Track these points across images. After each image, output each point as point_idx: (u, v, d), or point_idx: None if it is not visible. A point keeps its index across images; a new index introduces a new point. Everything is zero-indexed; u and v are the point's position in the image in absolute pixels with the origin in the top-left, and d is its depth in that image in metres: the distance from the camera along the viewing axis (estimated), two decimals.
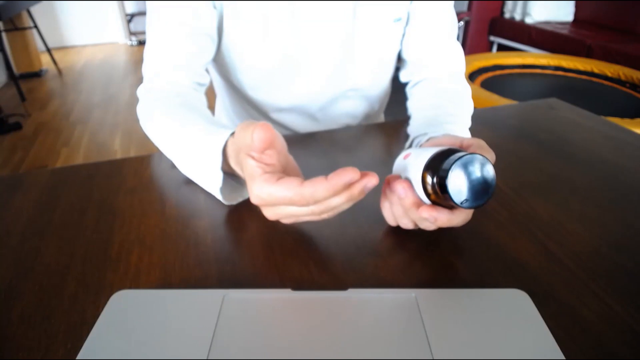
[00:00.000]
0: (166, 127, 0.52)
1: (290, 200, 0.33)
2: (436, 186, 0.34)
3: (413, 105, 0.66)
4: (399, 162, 0.42)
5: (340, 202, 0.34)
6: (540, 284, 0.36)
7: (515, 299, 0.34)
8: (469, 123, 0.60)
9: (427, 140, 0.50)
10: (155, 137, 0.54)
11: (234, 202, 0.47)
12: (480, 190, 0.33)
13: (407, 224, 0.40)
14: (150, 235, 0.42)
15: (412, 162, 0.38)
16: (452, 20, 0.68)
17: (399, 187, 0.38)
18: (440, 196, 0.35)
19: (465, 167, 0.33)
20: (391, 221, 0.41)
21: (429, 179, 0.35)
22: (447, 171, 0.33)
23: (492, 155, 0.40)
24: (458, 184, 0.33)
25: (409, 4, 0.66)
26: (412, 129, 0.59)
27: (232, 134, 0.43)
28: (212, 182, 0.45)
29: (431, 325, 0.31)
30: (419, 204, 0.37)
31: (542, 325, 0.31)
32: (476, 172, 0.33)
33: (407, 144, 0.57)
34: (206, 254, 0.40)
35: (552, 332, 0.31)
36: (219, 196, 0.45)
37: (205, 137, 0.45)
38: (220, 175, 0.43)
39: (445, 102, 0.61)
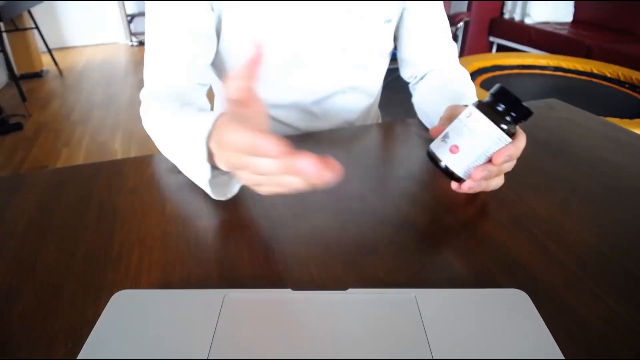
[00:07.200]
0: (158, 120, 0.53)
1: (249, 145, 0.33)
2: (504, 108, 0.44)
3: (421, 98, 0.70)
4: (458, 126, 0.46)
5: (295, 183, 0.35)
6: (540, 284, 0.36)
7: (515, 299, 0.34)
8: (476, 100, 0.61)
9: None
10: (151, 134, 0.55)
11: (223, 198, 0.46)
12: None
13: (498, 182, 0.47)
14: (151, 235, 0.43)
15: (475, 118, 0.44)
16: (444, 17, 0.73)
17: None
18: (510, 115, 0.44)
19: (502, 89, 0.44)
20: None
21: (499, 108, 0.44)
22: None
23: None
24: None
25: (400, 6, 0.68)
26: (433, 113, 0.60)
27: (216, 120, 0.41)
28: (200, 173, 0.44)
29: (431, 325, 0.31)
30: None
31: (542, 325, 0.32)
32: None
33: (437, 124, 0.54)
34: (206, 254, 0.40)
35: (552, 332, 0.31)
36: (208, 189, 0.44)
37: (190, 125, 0.45)
38: (206, 166, 0.42)
39: (453, 84, 0.67)
